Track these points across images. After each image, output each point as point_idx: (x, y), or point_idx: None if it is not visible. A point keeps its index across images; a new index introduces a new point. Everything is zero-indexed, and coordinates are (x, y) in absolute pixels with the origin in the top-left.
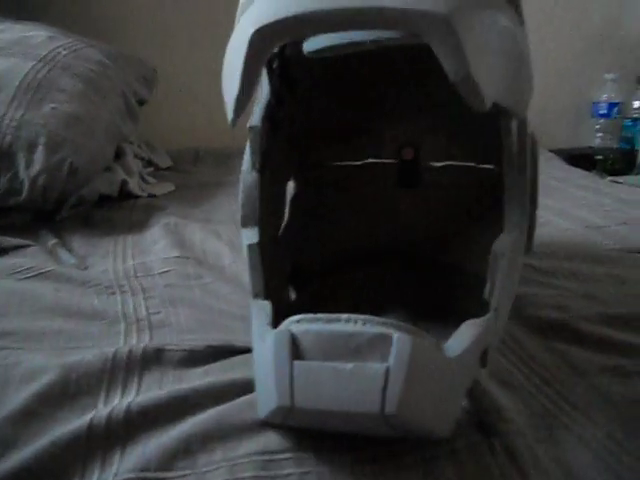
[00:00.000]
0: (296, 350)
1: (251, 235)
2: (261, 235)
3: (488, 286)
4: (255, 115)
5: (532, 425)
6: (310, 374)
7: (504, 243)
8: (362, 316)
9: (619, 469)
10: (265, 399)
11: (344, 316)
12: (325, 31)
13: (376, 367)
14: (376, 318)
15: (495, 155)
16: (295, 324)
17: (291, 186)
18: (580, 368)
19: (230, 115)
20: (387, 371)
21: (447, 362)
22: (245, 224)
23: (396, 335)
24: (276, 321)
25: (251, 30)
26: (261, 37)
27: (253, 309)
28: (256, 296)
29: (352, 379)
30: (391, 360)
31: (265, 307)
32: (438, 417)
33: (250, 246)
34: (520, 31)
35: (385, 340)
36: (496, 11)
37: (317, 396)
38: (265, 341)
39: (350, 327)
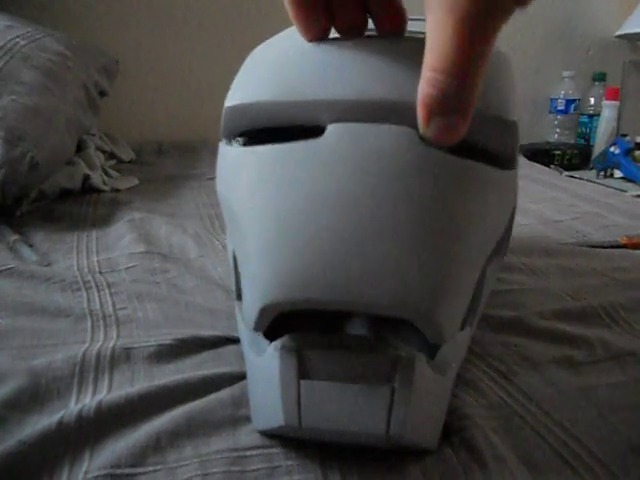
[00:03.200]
0: (302, 369)
1: None
2: None
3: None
4: None
5: (489, 416)
6: (317, 394)
7: (488, 265)
8: (365, 336)
9: (566, 454)
10: (266, 414)
11: (347, 335)
12: (325, 309)
13: (382, 389)
14: (379, 339)
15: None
16: (298, 341)
17: None
18: (533, 360)
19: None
20: (392, 393)
21: (441, 381)
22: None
23: (400, 357)
24: None
25: (261, 302)
26: (268, 309)
27: (238, 311)
28: (239, 298)
29: (359, 400)
30: (396, 382)
31: None
32: (431, 433)
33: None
34: (507, 190)
35: (390, 362)
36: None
37: (324, 416)
38: (262, 354)
39: (355, 347)
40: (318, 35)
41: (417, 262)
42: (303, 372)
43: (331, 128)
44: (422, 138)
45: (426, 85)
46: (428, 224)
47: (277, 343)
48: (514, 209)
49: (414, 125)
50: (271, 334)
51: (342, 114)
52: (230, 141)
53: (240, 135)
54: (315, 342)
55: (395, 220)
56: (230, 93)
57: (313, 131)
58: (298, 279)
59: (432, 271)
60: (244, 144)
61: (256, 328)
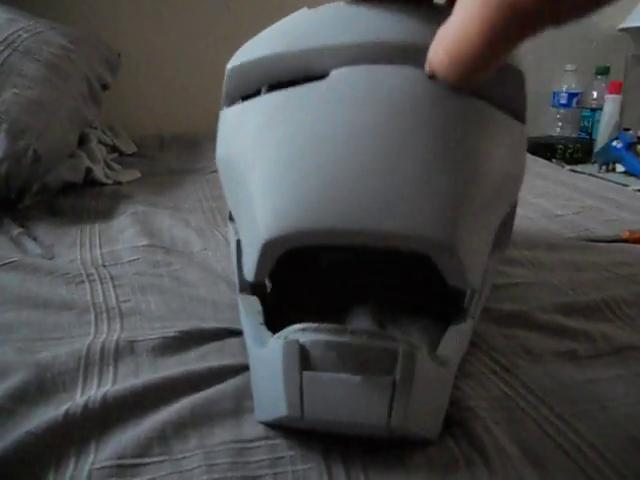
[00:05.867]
0: (305, 361)
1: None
2: None
3: (468, 295)
4: None
5: (491, 408)
6: (319, 385)
7: (489, 258)
8: (367, 329)
9: (567, 446)
10: (269, 405)
11: (350, 328)
12: (335, 244)
13: (383, 381)
14: (380, 331)
15: None
16: (301, 333)
17: None
18: (535, 353)
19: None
20: (394, 385)
21: (442, 373)
22: (233, 217)
23: (401, 350)
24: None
25: (264, 237)
26: (272, 245)
27: (241, 304)
28: (242, 290)
29: (360, 391)
30: (397, 374)
31: (254, 303)
32: (432, 423)
33: (239, 242)
34: (518, 149)
35: (391, 354)
36: (494, 156)
37: (326, 407)
38: (265, 346)
39: (357, 340)
40: None
41: (431, 188)
42: (305, 363)
43: (335, 71)
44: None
45: (440, 53)
46: (440, 152)
47: (280, 334)
48: (515, 204)
49: (422, 67)
50: (274, 328)
51: (347, 59)
52: (232, 105)
53: (243, 99)
54: (314, 332)
55: (406, 147)
56: (232, 60)
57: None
58: (303, 210)
59: (448, 197)
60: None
61: (257, 275)
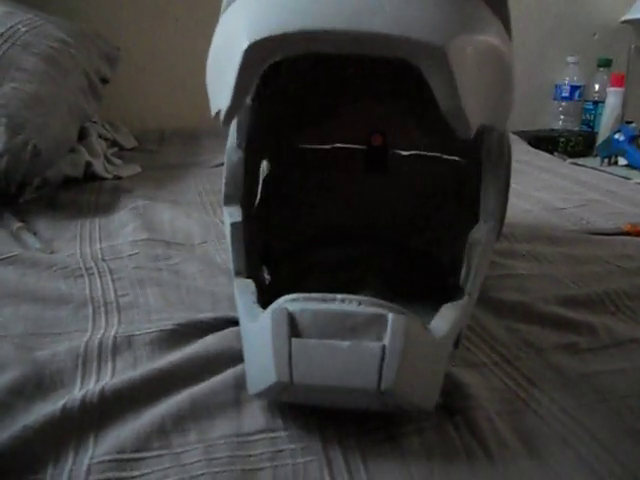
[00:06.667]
0: (294, 328)
1: (234, 213)
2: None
3: (463, 272)
4: None
5: (492, 399)
6: (308, 351)
7: (480, 232)
8: (356, 296)
9: (569, 438)
10: (260, 375)
11: (339, 296)
12: (320, 51)
13: (372, 345)
14: (369, 299)
15: (460, 147)
16: (290, 302)
17: (264, 166)
18: (537, 346)
19: (221, 119)
20: (383, 349)
21: (434, 342)
22: (228, 202)
23: (391, 315)
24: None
25: (245, 44)
26: (255, 53)
27: (236, 287)
28: (238, 274)
29: (349, 357)
30: (387, 339)
31: (249, 285)
32: (425, 393)
33: (234, 224)
34: (507, 47)
35: (381, 320)
36: (486, 30)
37: (315, 373)
38: (256, 320)
39: (346, 307)
40: None
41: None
42: (294, 331)
43: None
44: None
45: None
46: None
47: (270, 307)
48: (508, 182)
49: None
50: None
51: None
52: None
53: None
54: (304, 301)
55: None
56: None
57: None
58: (287, 13)
59: (443, 16)
60: None
61: (236, 93)
